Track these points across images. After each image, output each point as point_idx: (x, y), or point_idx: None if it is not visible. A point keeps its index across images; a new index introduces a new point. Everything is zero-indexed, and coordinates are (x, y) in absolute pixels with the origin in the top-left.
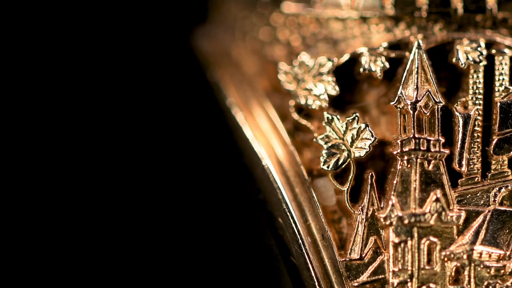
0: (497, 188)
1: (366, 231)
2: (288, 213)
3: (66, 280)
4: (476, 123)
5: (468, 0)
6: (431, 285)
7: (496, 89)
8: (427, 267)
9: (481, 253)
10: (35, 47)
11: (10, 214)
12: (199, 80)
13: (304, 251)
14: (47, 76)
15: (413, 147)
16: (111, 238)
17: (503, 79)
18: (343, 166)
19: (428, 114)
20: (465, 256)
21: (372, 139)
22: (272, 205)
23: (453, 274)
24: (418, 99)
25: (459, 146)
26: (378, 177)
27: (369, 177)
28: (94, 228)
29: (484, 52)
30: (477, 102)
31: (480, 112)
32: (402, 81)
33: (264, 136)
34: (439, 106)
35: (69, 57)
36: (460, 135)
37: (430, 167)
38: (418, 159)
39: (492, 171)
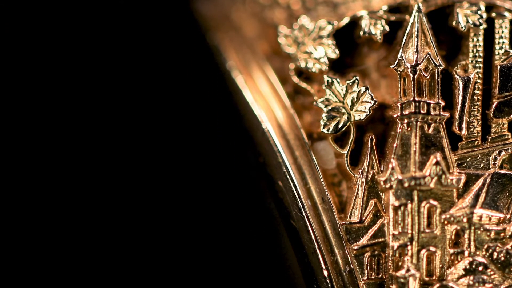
0: (497, 151)
1: (366, 194)
2: (288, 176)
3: (66, 280)
4: (476, 86)
5: None
6: (431, 248)
7: (496, 52)
8: (427, 230)
9: (481, 216)
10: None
11: (10, 214)
12: (199, 44)
13: (304, 214)
14: (47, 59)
15: (413, 110)
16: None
17: (503, 42)
18: (343, 129)
19: (428, 77)
20: (465, 219)
21: (372, 102)
22: (272, 168)
23: (453, 237)
24: (418, 62)
25: (459, 109)
26: (378, 140)
27: (369, 140)
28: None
29: (484, 15)
30: (477, 65)
31: (480, 75)
32: (402, 44)
33: (264, 99)
34: (439, 69)
35: (67, 21)
36: (460, 98)
37: (430, 130)
38: (418, 122)
39: (492, 134)
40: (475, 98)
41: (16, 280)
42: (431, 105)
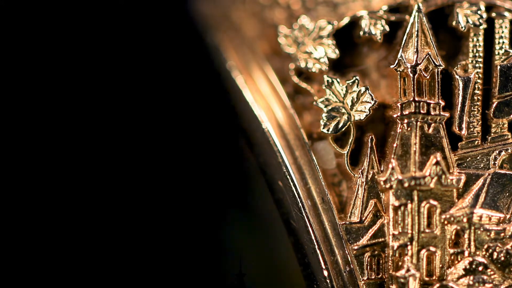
0: (497, 151)
1: (366, 194)
2: (288, 176)
3: (66, 280)
4: (476, 86)
5: None
6: (431, 248)
7: (496, 52)
8: (427, 230)
9: (481, 216)
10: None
11: (10, 214)
12: (198, 43)
13: (304, 214)
14: (45, 59)
15: (413, 110)
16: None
17: (503, 42)
18: (343, 129)
19: (428, 77)
20: (465, 219)
21: (372, 102)
22: (272, 168)
23: (453, 237)
24: (418, 62)
25: (459, 109)
26: (378, 140)
27: (369, 140)
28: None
29: (484, 15)
30: (477, 65)
31: (480, 75)
32: (402, 44)
33: (264, 99)
34: (439, 69)
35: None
36: (460, 98)
37: (430, 130)
38: (418, 122)
39: (492, 134)
40: (475, 98)
41: (16, 280)
42: (431, 105)
